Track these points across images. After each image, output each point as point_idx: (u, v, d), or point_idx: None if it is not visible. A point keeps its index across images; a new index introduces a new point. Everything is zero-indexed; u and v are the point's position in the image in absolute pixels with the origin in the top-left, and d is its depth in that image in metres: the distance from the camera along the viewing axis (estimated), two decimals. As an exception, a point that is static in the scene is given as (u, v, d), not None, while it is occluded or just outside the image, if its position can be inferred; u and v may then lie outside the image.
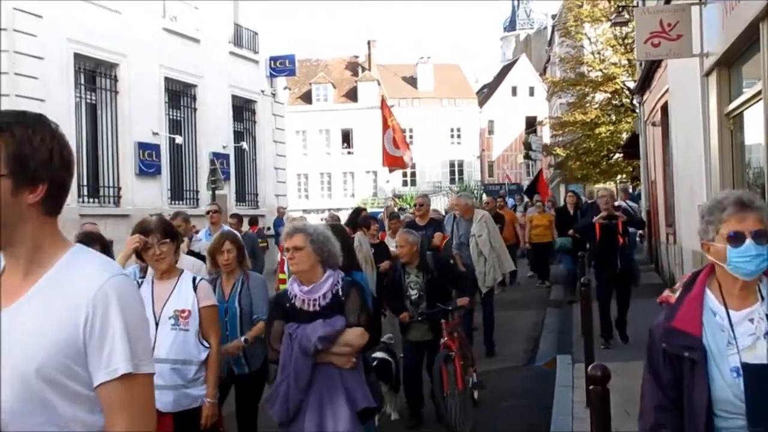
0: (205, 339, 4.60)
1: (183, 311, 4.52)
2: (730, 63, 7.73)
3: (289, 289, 4.45)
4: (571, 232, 13.25)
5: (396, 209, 19.05)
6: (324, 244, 4.34)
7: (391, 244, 10.17)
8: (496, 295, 13.25)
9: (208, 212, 10.39)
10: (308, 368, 4.21)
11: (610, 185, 31.73)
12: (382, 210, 21.64)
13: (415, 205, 11.32)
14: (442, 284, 7.23)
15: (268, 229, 21.05)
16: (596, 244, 9.75)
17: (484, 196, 25.76)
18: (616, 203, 18.33)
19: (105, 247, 5.73)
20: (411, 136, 62.63)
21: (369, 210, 21.41)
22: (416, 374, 7.19)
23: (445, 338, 6.85)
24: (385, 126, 12.73)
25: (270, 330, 4.55)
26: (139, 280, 4.79)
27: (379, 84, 58.27)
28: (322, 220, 14.68)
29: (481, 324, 10.31)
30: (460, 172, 63.77)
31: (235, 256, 5.73)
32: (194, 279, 4.70)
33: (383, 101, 13.98)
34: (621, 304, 9.82)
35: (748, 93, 7.11)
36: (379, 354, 6.90)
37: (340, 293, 4.34)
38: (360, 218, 10.62)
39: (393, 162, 12.57)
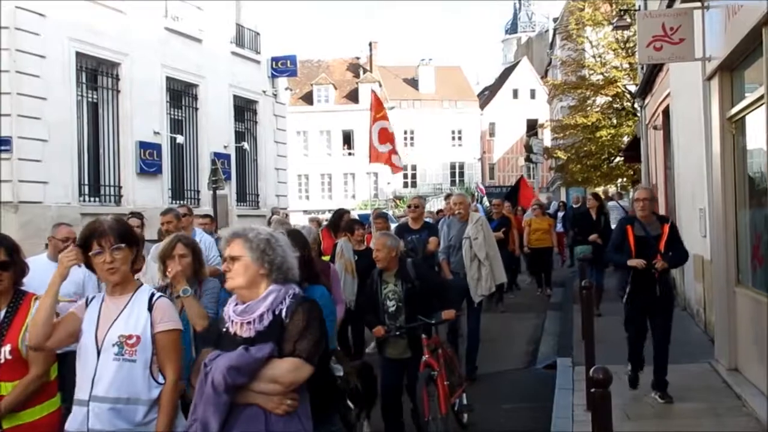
0: (162, 372, 3.66)
1: (129, 337, 3.62)
2: (733, 67, 7.73)
3: (224, 310, 3.52)
4: (592, 237, 12.39)
5: (389, 211, 18.47)
6: (268, 253, 3.39)
7: None
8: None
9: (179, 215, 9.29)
10: (220, 410, 3.22)
11: (611, 188, 31.76)
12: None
13: (409, 206, 10.29)
14: (424, 295, 6.41)
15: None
16: (632, 255, 7.14)
17: (484, 200, 25.78)
18: (611, 203, 18.00)
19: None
20: (412, 138, 62.87)
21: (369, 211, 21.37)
22: (395, 396, 6.42)
23: (427, 356, 6.20)
24: (374, 118, 11.97)
25: (196, 361, 3.58)
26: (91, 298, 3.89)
27: (380, 85, 58.28)
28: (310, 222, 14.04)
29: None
30: (461, 175, 63.79)
31: (189, 262, 5.10)
32: (152, 296, 3.78)
33: (374, 95, 13.06)
34: (659, 343, 7.20)
35: (750, 97, 7.10)
36: (358, 362, 5.91)
37: (284, 314, 3.33)
38: (343, 222, 9.85)
39: (381, 159, 11.82)
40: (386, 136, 11.55)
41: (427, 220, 11.59)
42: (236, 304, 3.42)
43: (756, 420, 6.32)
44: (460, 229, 9.08)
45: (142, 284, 3.90)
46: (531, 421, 7.23)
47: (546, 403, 7.41)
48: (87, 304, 3.79)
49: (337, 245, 8.90)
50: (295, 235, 4.75)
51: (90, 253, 3.74)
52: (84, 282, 6.00)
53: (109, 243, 3.71)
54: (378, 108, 11.87)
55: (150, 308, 3.72)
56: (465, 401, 7.11)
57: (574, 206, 21.57)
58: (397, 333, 6.31)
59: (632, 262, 6.97)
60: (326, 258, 8.96)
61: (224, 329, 3.42)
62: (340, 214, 10.56)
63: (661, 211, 15.99)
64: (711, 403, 6.99)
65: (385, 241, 6.49)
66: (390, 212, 14.80)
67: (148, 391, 3.62)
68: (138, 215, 9.62)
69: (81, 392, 3.60)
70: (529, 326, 12.44)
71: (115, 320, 3.68)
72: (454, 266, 9.04)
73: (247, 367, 3.19)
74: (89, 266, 3.82)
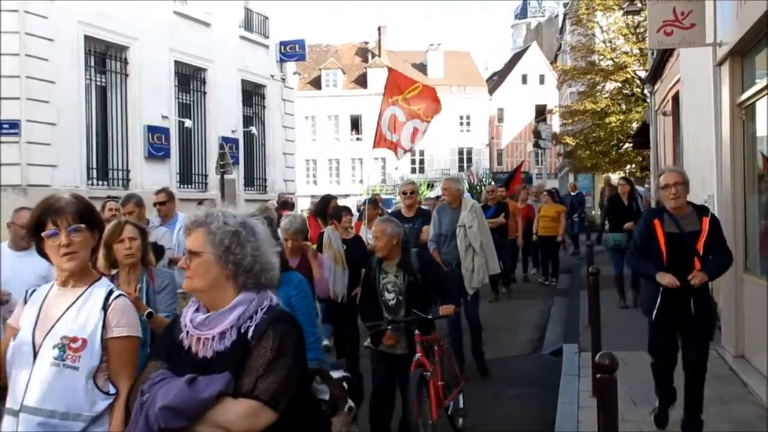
0: (114, 383, 3.04)
1: (74, 340, 2.96)
2: (744, 53, 7.67)
3: (182, 315, 2.76)
4: (627, 226, 11.28)
5: (395, 197, 17.66)
6: (234, 251, 2.62)
7: (368, 236, 8.81)
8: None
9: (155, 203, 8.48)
10: None
11: (620, 175, 31.59)
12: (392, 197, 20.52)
13: (403, 193, 9.53)
14: (424, 289, 5.98)
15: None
16: (663, 258, 5.59)
17: (493, 184, 25.69)
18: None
19: None
20: (420, 123, 62.54)
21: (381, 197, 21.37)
22: (386, 395, 5.90)
23: (419, 354, 5.69)
24: (386, 102, 10.56)
25: (139, 376, 2.79)
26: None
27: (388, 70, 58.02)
28: (302, 211, 13.48)
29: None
30: (469, 160, 63.66)
31: (138, 246, 4.63)
32: (110, 293, 3.11)
33: (393, 74, 11.20)
34: (693, 370, 5.79)
35: (760, 83, 7.06)
36: (338, 375, 4.82)
37: (250, 334, 2.57)
38: (331, 209, 9.39)
39: (386, 145, 10.72)
40: (397, 125, 10.57)
41: (425, 207, 11.15)
42: (196, 310, 2.70)
43: (762, 407, 6.32)
44: (453, 216, 8.49)
45: (100, 277, 3.22)
46: (537, 406, 7.24)
47: (552, 389, 7.42)
48: (26, 299, 3.16)
49: (324, 234, 8.48)
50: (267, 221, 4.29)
51: (42, 234, 3.05)
52: (49, 274, 4.85)
53: (65, 222, 3.04)
54: (393, 91, 10.58)
55: (105, 308, 3.06)
56: (461, 403, 6.63)
57: (572, 194, 21.52)
58: (389, 327, 5.84)
59: (663, 280, 5.45)
60: (314, 247, 8.74)
61: (179, 339, 2.68)
62: (326, 201, 10.10)
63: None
64: (717, 390, 6.98)
65: (386, 227, 5.95)
66: (396, 198, 14.02)
67: (91, 404, 2.97)
68: (115, 199, 8.56)
69: (12, 400, 3.01)
70: (536, 312, 12.45)
71: (60, 318, 3.03)
72: (446, 256, 8.42)
73: (188, 409, 2.46)
74: (41, 251, 3.12)
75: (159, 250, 6.27)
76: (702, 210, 5.78)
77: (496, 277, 12.11)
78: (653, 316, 5.72)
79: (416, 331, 5.77)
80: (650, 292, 5.84)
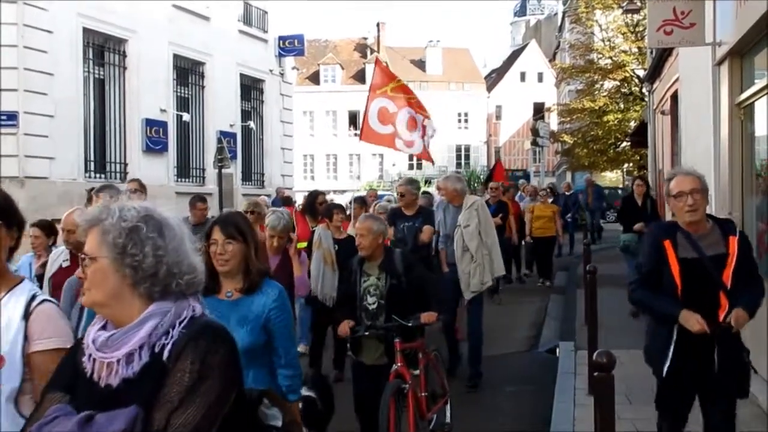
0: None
1: None
2: (743, 53, 7.67)
3: (86, 334, 2.18)
4: (638, 226, 10.71)
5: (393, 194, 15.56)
6: (131, 251, 2.06)
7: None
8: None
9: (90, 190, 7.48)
10: None
11: (617, 174, 31.70)
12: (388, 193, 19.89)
13: (400, 195, 8.88)
14: (408, 293, 5.46)
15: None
16: (678, 292, 4.20)
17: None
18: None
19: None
20: (418, 120, 62.55)
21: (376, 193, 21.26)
22: (368, 408, 5.32)
23: (399, 364, 5.26)
24: (373, 93, 9.92)
25: (37, 407, 2.18)
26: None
27: (387, 66, 58.02)
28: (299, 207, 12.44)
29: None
30: (467, 157, 63.71)
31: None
32: (32, 297, 2.63)
33: (379, 64, 10.58)
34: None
35: (759, 84, 7.06)
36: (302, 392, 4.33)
37: (166, 354, 2.03)
38: (320, 206, 9.07)
39: (375, 139, 9.93)
40: (387, 117, 9.90)
41: (431, 207, 10.48)
42: (102, 328, 2.13)
43: (758, 406, 6.33)
44: (454, 215, 8.04)
45: (21, 280, 2.74)
46: (533, 404, 7.25)
47: (548, 386, 7.43)
48: None
49: (314, 232, 8.23)
50: (234, 221, 3.81)
51: None
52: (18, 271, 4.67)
53: None
54: (382, 82, 9.96)
55: (26, 316, 2.59)
56: (448, 416, 6.24)
57: (566, 193, 21.42)
58: (366, 333, 5.37)
59: (689, 323, 4.07)
60: (302, 245, 8.47)
61: (82, 365, 2.11)
62: (314, 196, 9.70)
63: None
64: (713, 389, 6.99)
65: (371, 225, 5.48)
66: (394, 195, 13.08)
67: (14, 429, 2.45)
68: (111, 190, 7.83)
69: None
70: (532, 310, 12.45)
71: None
72: (450, 258, 8.04)
73: None
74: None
75: None
76: (727, 226, 4.43)
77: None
78: (664, 371, 4.30)
79: (396, 339, 5.32)
80: (660, 336, 4.37)
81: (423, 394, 5.54)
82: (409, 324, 5.34)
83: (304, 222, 9.09)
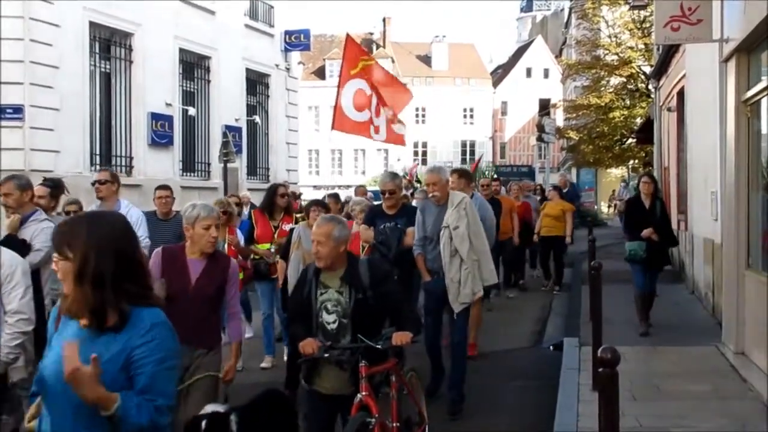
0: None
1: None
2: (750, 50, 7.65)
3: None
4: (646, 233, 9.35)
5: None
6: None
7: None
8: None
9: (94, 183, 7.29)
10: None
11: (622, 170, 31.65)
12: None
13: (383, 193, 7.67)
14: (377, 309, 4.63)
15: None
16: None
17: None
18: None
19: None
20: (423, 115, 62.69)
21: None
22: None
23: (364, 393, 4.39)
24: (347, 75, 8.52)
25: None
26: None
27: (393, 62, 57.99)
28: (304, 202, 11.45)
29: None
30: (472, 153, 63.67)
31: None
32: None
33: (349, 39, 9.05)
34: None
35: (766, 80, 7.05)
36: (210, 408, 3.72)
37: None
38: (281, 198, 8.41)
39: (349, 127, 8.64)
40: (365, 100, 8.59)
41: (416, 203, 9.69)
42: None
43: (762, 403, 6.33)
44: (438, 215, 6.97)
45: None
46: (537, 399, 7.25)
47: (552, 382, 7.43)
48: None
49: (293, 231, 7.64)
50: (62, 230, 2.61)
51: None
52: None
53: None
54: (352, 59, 8.65)
55: None
56: None
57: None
58: (326, 355, 4.44)
59: None
60: (264, 246, 8.24)
61: None
62: (273, 191, 8.61)
63: (673, 194, 15.80)
64: (717, 385, 7.01)
65: (330, 229, 4.54)
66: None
67: None
68: (49, 183, 7.07)
69: None
70: (537, 306, 12.46)
71: None
72: (431, 264, 6.99)
73: None
74: None
75: (18, 246, 5.19)
76: None
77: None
78: None
79: (361, 363, 4.43)
80: None
81: (395, 424, 4.69)
82: (378, 346, 4.46)
83: (264, 221, 8.39)
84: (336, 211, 8.47)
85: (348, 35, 9.07)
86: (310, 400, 4.74)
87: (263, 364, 8.41)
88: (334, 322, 4.60)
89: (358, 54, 8.95)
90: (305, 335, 4.55)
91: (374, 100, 8.61)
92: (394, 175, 7.90)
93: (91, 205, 7.12)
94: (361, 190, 13.82)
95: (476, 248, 6.91)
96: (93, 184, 7.00)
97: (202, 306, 4.71)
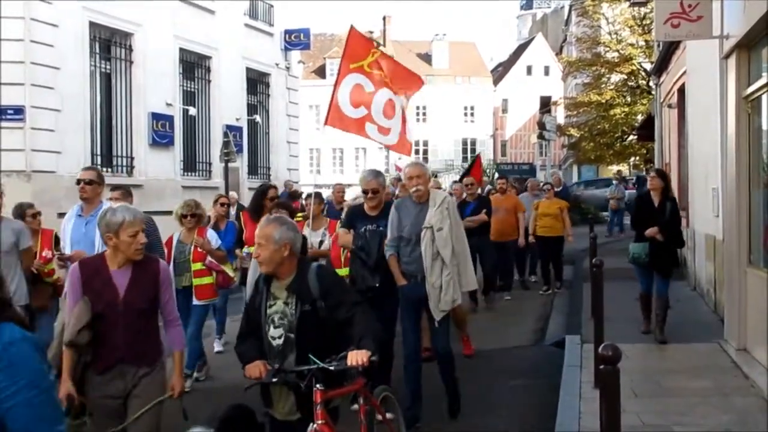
0: None
1: None
2: (751, 46, 7.65)
3: None
4: (650, 232, 8.69)
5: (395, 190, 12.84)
6: None
7: (311, 239, 7.57)
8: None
9: (79, 182, 6.60)
10: None
11: (623, 167, 31.63)
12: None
13: (365, 193, 7.00)
14: (329, 323, 4.08)
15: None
16: None
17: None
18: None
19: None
20: (424, 114, 62.70)
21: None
22: None
23: (319, 422, 3.84)
24: (346, 68, 8.05)
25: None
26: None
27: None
28: (305, 200, 10.68)
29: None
30: (473, 151, 63.57)
31: None
32: None
33: (353, 31, 8.36)
34: None
35: (766, 77, 7.05)
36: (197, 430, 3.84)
37: None
38: (269, 201, 7.98)
39: (343, 124, 8.17)
40: (362, 97, 8.18)
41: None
42: None
43: (764, 400, 6.33)
44: (418, 214, 6.42)
45: None
46: (538, 397, 7.26)
47: (553, 380, 7.43)
48: None
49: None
50: None
51: None
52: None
53: None
54: (358, 54, 8.21)
55: None
56: None
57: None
58: (273, 380, 3.96)
59: None
60: (252, 249, 7.74)
61: None
62: (263, 191, 8.30)
63: (674, 192, 15.76)
64: (719, 382, 7.01)
65: (271, 231, 4.04)
66: (397, 190, 10.98)
67: None
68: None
69: None
70: (538, 303, 12.46)
71: None
72: (408, 267, 6.43)
73: None
74: None
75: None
76: None
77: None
78: None
79: (316, 387, 3.87)
80: None
81: None
82: (331, 368, 3.86)
83: (252, 224, 7.77)
84: (318, 212, 8.03)
85: (352, 27, 8.48)
86: (271, 425, 4.27)
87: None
88: (280, 337, 4.11)
89: (366, 47, 8.37)
90: (254, 356, 4.05)
91: (378, 98, 8.11)
92: (377, 173, 7.18)
93: (73, 206, 6.77)
94: (338, 188, 12.99)
95: (457, 253, 6.37)
96: (78, 183, 6.55)
97: (137, 320, 4.24)
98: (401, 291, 6.47)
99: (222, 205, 9.82)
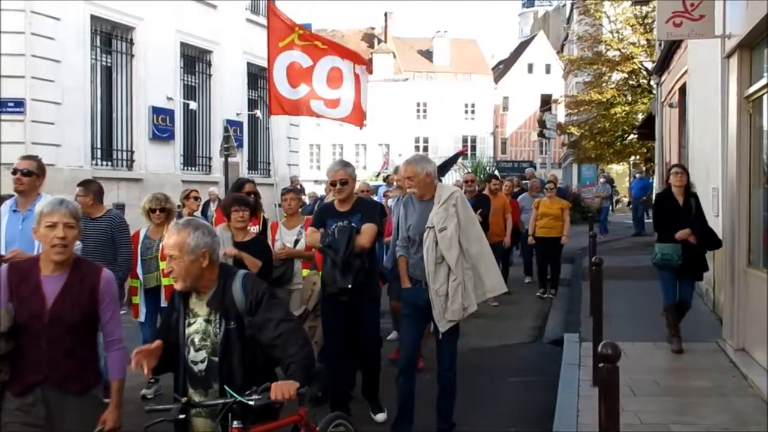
0: None
1: None
2: (753, 46, 7.63)
3: None
4: (682, 234, 7.95)
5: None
6: None
7: (286, 237, 7.04)
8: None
9: (15, 171, 6.05)
10: None
11: (623, 166, 31.59)
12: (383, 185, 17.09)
13: (332, 184, 6.28)
14: (258, 343, 3.46)
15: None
16: None
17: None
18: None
19: None
20: (425, 110, 62.66)
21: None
22: None
23: None
24: (275, 48, 7.39)
25: None
26: None
27: (394, 56, 57.99)
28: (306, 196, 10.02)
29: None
30: (473, 148, 63.58)
31: None
32: None
33: (270, 4, 7.99)
34: None
35: (769, 77, 7.04)
36: None
37: None
38: (223, 203, 7.35)
39: (286, 108, 7.49)
40: (300, 75, 7.36)
41: (392, 196, 8.51)
42: None
43: (762, 400, 6.33)
44: (423, 213, 5.73)
45: None
46: (536, 395, 7.25)
47: (552, 378, 7.43)
48: None
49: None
50: None
51: None
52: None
53: None
54: (279, 31, 7.57)
55: None
56: None
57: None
58: (180, 416, 3.32)
59: None
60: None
61: None
62: (239, 186, 7.78)
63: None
64: (717, 382, 7.00)
65: (184, 238, 3.40)
66: (391, 186, 10.82)
67: None
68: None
69: None
70: (537, 301, 12.45)
71: None
72: (414, 271, 5.78)
73: None
74: None
75: None
76: None
77: None
78: None
79: (234, 424, 3.24)
80: None
81: None
82: (251, 402, 3.20)
83: (224, 221, 7.10)
84: (295, 209, 7.44)
85: (270, 4, 7.90)
86: None
87: None
88: (202, 362, 3.48)
89: (287, 26, 7.83)
90: (178, 386, 3.51)
91: (318, 69, 7.43)
92: (345, 163, 6.45)
93: (7, 200, 6.20)
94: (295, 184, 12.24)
95: (470, 254, 5.63)
96: (14, 173, 5.93)
97: (65, 336, 3.62)
98: (403, 294, 5.93)
99: (195, 199, 9.61)
